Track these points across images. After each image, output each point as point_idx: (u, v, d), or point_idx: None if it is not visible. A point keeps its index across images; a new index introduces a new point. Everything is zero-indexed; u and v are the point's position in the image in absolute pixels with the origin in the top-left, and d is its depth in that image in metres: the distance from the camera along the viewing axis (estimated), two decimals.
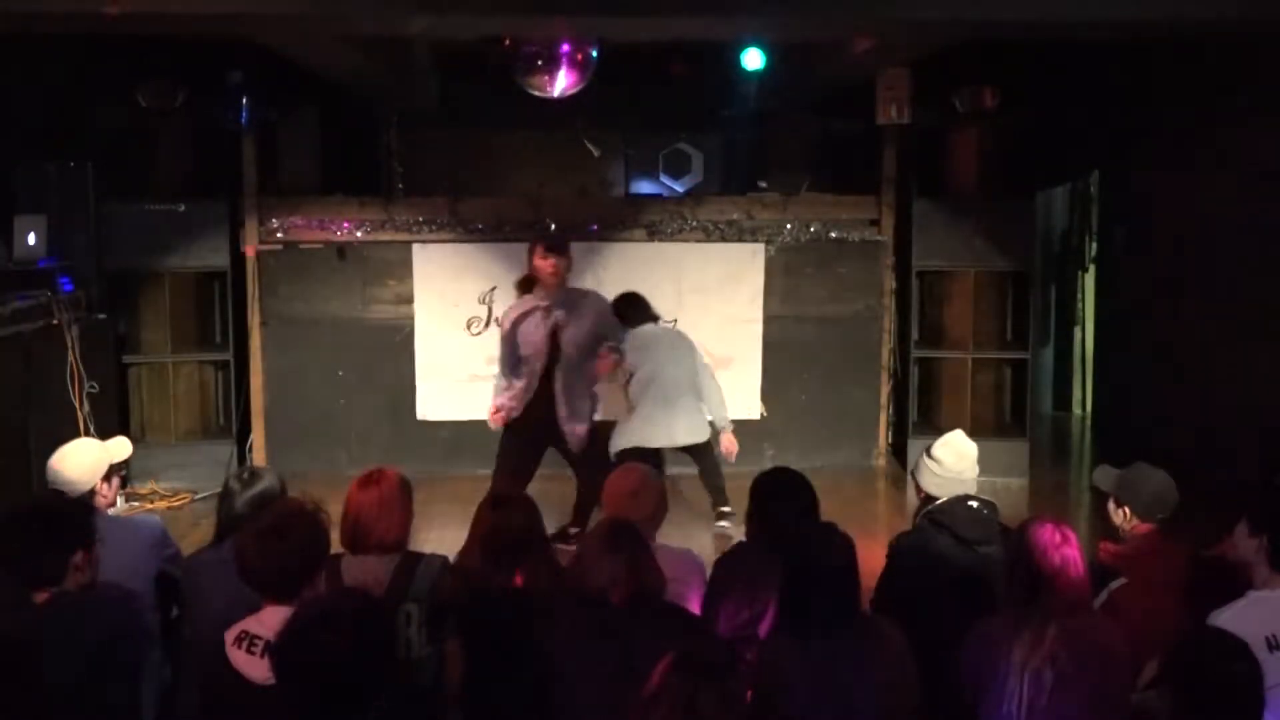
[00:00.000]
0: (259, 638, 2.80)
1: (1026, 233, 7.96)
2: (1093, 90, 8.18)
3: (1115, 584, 3.64)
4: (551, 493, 7.16)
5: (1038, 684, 2.98)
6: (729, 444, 6.23)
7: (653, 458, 5.92)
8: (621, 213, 7.93)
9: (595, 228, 7.79)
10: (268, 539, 2.95)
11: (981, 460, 4.06)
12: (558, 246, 5.89)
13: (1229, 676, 2.58)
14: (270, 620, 2.76)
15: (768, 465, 5.43)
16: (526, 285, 6.42)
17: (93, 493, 3.93)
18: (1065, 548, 3.10)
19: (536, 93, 6.75)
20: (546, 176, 8.72)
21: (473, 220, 7.74)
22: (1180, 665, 2.65)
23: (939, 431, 4.51)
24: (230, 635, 2.85)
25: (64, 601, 3.07)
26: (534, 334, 5.82)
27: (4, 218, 6.29)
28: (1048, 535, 3.12)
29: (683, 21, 5.48)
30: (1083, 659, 3.00)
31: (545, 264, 5.81)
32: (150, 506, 6.90)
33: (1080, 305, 9.77)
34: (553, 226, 7.71)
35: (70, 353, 6.29)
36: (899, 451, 7.97)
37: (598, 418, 6.10)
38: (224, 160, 7.56)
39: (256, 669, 2.76)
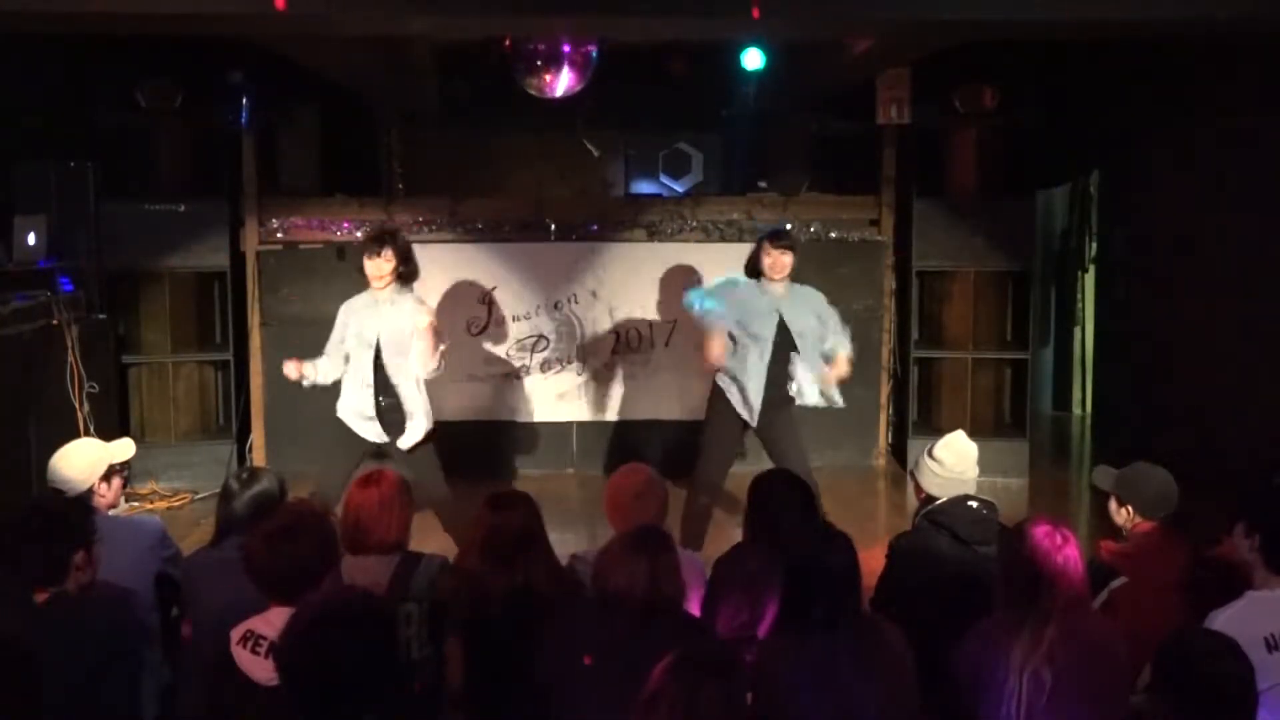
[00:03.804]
0: (264, 638, 2.80)
1: (1026, 233, 7.96)
2: (1093, 90, 8.18)
3: (1116, 583, 3.65)
4: (551, 493, 7.18)
5: (1037, 685, 2.97)
6: None
7: None
8: (621, 213, 7.93)
9: (595, 228, 7.78)
10: (278, 541, 2.94)
11: (981, 460, 4.07)
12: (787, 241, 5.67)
13: (1217, 677, 2.58)
14: (277, 620, 2.75)
15: (767, 465, 5.45)
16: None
17: (91, 492, 3.93)
18: (1066, 548, 3.09)
19: (536, 93, 6.75)
20: (546, 176, 8.73)
21: (473, 220, 7.73)
22: (1168, 667, 2.65)
23: (939, 431, 4.51)
24: (236, 634, 2.85)
25: (64, 601, 3.08)
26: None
27: (4, 218, 6.29)
28: (1046, 536, 3.11)
29: (683, 21, 5.48)
30: (1082, 659, 3.00)
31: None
32: (150, 506, 6.89)
33: (1080, 305, 9.77)
34: (553, 227, 7.73)
35: (70, 353, 6.29)
36: (899, 451, 7.97)
37: None
38: (224, 160, 7.56)
39: (261, 669, 2.75)
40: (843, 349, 5.73)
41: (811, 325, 5.67)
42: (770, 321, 5.59)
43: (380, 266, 5.36)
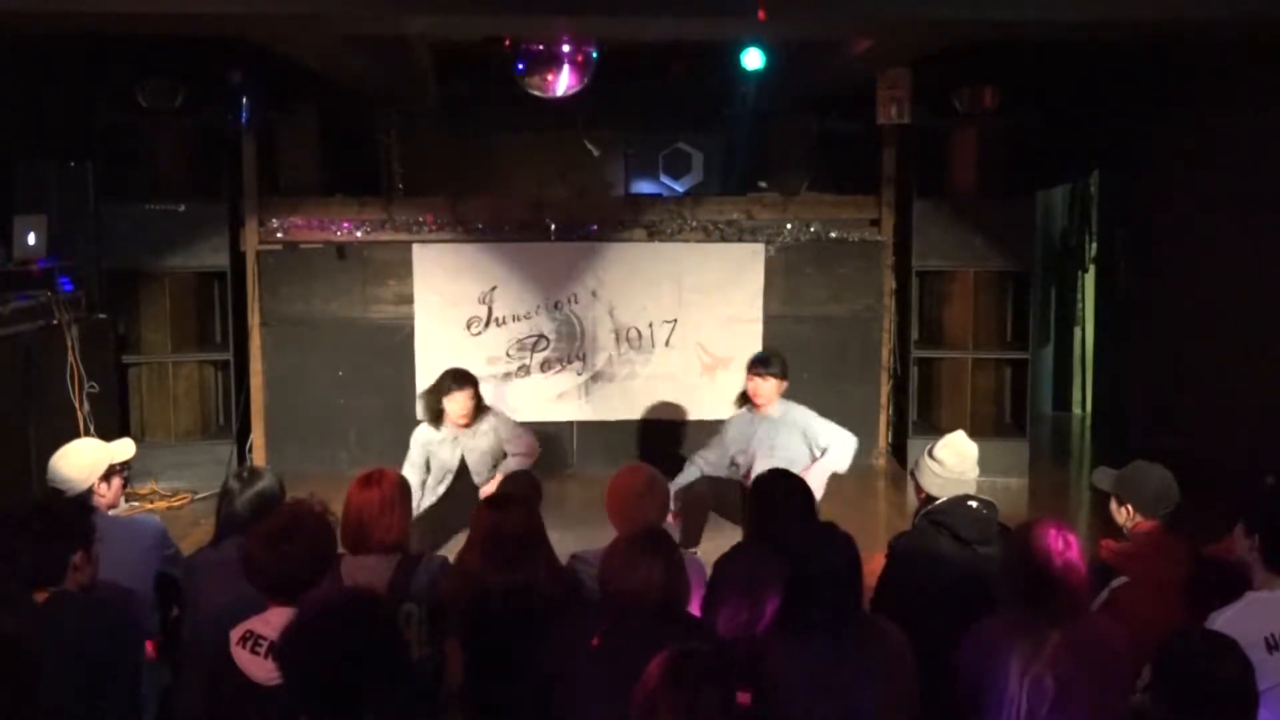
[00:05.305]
0: (264, 638, 2.80)
1: (1026, 233, 7.96)
2: (1093, 90, 8.18)
3: (1117, 582, 3.65)
4: (551, 493, 7.18)
5: (1039, 691, 2.97)
6: None
7: None
8: (621, 213, 7.93)
9: (595, 228, 7.78)
10: (277, 541, 2.94)
11: (981, 460, 4.07)
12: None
13: (1217, 677, 2.57)
14: (276, 621, 2.75)
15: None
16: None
17: (91, 492, 3.93)
18: (1069, 552, 3.09)
19: (537, 93, 6.75)
20: (546, 176, 8.72)
21: (473, 220, 7.73)
22: (1168, 667, 2.65)
23: (939, 431, 4.52)
24: (235, 635, 2.85)
25: (64, 601, 3.08)
26: None
27: (4, 218, 6.28)
28: (1052, 539, 3.10)
29: (683, 21, 5.48)
30: (1086, 664, 2.99)
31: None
32: (150, 506, 6.89)
33: (1080, 305, 9.77)
34: (552, 226, 7.72)
35: (70, 353, 6.29)
36: (899, 451, 7.97)
37: None
38: (224, 160, 7.56)
39: (260, 669, 2.76)
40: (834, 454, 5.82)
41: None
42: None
43: (464, 404, 5.90)
